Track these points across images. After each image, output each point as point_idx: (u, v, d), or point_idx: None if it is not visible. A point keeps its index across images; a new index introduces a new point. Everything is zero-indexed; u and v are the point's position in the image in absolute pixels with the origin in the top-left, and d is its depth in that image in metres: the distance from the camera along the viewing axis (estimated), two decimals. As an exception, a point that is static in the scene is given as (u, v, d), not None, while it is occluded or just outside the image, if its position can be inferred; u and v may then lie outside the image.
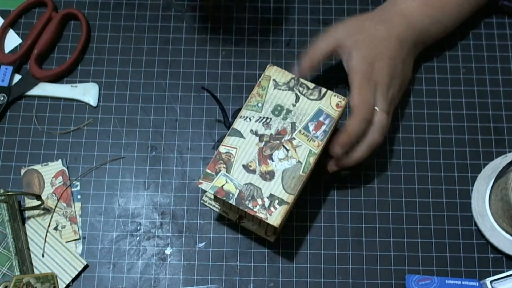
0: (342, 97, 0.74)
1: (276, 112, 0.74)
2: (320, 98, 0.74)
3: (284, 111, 0.74)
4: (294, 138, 0.73)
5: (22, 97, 0.86)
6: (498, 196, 0.77)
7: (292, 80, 0.75)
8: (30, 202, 0.80)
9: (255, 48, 0.89)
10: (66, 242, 0.80)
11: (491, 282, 0.75)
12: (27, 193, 0.80)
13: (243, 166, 0.72)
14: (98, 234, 0.80)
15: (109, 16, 0.90)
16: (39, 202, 0.79)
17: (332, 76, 0.86)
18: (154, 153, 0.84)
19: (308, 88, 0.75)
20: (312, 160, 0.72)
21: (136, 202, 0.82)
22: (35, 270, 0.78)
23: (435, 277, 0.76)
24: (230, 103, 0.86)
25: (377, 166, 0.82)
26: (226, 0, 0.91)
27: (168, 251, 0.79)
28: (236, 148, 0.73)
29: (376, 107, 0.76)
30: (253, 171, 0.72)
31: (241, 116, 0.74)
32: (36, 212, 0.81)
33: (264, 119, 0.74)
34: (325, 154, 0.78)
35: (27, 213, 0.81)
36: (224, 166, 0.72)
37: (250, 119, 0.74)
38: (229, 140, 0.73)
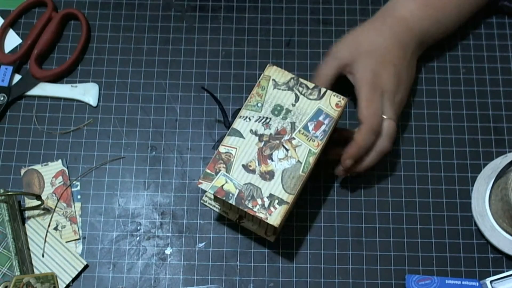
0: (342, 96, 0.74)
1: (276, 112, 0.74)
2: (320, 97, 0.74)
3: (284, 111, 0.74)
4: (294, 138, 0.73)
5: (22, 97, 0.86)
6: (498, 196, 0.77)
7: (292, 80, 0.75)
8: (30, 202, 0.80)
9: (255, 48, 0.89)
10: (66, 242, 0.80)
11: (491, 282, 0.75)
12: (27, 193, 0.80)
13: (243, 166, 0.72)
14: (98, 234, 0.80)
15: (109, 16, 0.90)
16: (39, 202, 0.79)
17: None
18: (154, 153, 0.84)
19: (307, 88, 0.75)
20: (311, 159, 0.72)
21: (136, 202, 0.82)
22: (35, 270, 0.78)
23: (435, 277, 0.76)
24: (230, 103, 0.86)
25: (377, 166, 0.82)
26: (226, 0, 0.91)
27: (168, 251, 0.79)
28: (236, 148, 0.73)
29: (384, 115, 0.76)
30: (253, 171, 0.72)
31: (240, 116, 0.74)
32: (36, 212, 0.81)
33: (264, 119, 0.74)
34: (325, 154, 0.78)
35: (27, 213, 0.81)
36: (224, 166, 0.72)
37: (249, 119, 0.74)
38: (228, 140, 0.73)
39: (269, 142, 0.73)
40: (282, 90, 0.75)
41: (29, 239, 0.79)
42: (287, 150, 0.72)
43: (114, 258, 0.79)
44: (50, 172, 0.82)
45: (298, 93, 0.75)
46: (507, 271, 0.76)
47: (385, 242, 0.79)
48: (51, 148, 0.84)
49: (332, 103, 0.74)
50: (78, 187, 0.82)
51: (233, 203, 0.70)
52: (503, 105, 0.85)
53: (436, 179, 0.82)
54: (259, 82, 0.75)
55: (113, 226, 0.81)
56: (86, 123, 0.85)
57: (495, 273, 0.77)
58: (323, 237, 0.80)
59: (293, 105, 0.74)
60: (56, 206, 0.81)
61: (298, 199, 0.81)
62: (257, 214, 0.70)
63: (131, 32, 0.90)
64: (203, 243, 0.80)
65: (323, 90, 0.74)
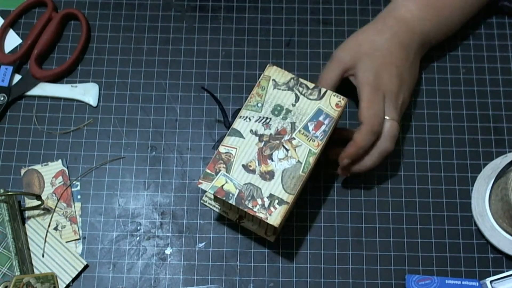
0: (342, 97, 0.74)
1: (276, 112, 0.74)
2: (320, 98, 0.74)
3: (284, 111, 0.74)
4: (294, 138, 0.73)
5: (22, 97, 0.86)
6: (498, 196, 0.77)
7: (292, 80, 0.75)
8: (30, 202, 0.80)
9: (255, 48, 0.89)
10: (66, 242, 0.80)
11: (491, 282, 0.75)
12: (27, 193, 0.80)
13: (243, 166, 0.72)
14: (98, 234, 0.80)
15: (109, 16, 0.90)
16: (39, 202, 0.79)
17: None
18: (154, 153, 0.84)
19: (307, 88, 0.75)
20: (311, 160, 0.72)
21: (136, 202, 0.82)
22: (35, 270, 0.78)
23: (435, 277, 0.76)
24: (230, 103, 0.86)
25: (377, 166, 0.81)
26: (226, 1, 0.91)
27: (168, 251, 0.79)
28: (236, 148, 0.73)
29: (386, 116, 0.76)
30: (253, 171, 0.72)
31: (240, 116, 0.74)
32: (36, 212, 0.81)
33: (264, 119, 0.74)
34: (325, 154, 0.78)
35: (27, 213, 0.81)
36: (224, 166, 0.72)
37: (249, 119, 0.74)
38: (228, 140, 0.73)
39: (269, 142, 0.73)
40: (282, 90, 0.75)
41: (29, 239, 0.79)
42: (287, 150, 0.72)
43: (114, 258, 0.79)
44: (50, 172, 0.82)
45: (298, 93, 0.75)
46: (507, 271, 0.76)
47: (385, 242, 0.79)
48: (51, 148, 0.84)
49: (332, 103, 0.74)
50: (78, 187, 0.82)
51: (233, 203, 0.70)
52: (503, 105, 0.85)
53: (436, 179, 0.82)
54: (259, 82, 0.75)
55: (113, 226, 0.81)
56: (86, 123, 0.85)
57: (495, 273, 0.77)
58: (323, 237, 0.80)
59: (293, 105, 0.74)
60: (56, 206, 0.81)
61: (298, 199, 0.81)
62: (257, 214, 0.70)
63: (131, 32, 0.90)
64: (203, 243, 0.80)
65: (323, 90, 0.75)
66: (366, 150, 0.76)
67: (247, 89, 0.86)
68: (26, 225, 0.80)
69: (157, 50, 0.89)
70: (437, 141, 0.84)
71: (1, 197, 0.77)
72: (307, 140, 0.73)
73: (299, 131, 0.73)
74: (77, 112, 0.86)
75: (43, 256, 0.79)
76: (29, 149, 0.84)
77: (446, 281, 0.76)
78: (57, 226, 0.80)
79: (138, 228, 0.80)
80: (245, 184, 0.71)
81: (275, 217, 0.70)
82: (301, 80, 0.75)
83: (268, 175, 0.71)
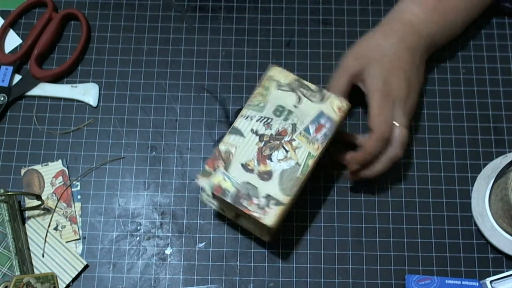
0: (345, 101, 0.74)
1: (278, 113, 0.74)
2: (323, 100, 0.74)
3: (286, 112, 0.74)
4: (294, 140, 0.73)
5: (22, 97, 0.86)
6: (498, 196, 0.77)
7: (295, 81, 0.75)
8: (30, 202, 0.81)
9: (255, 49, 0.89)
10: (66, 242, 0.80)
11: (491, 282, 0.75)
12: (27, 193, 0.80)
13: (242, 165, 0.72)
14: (98, 234, 0.80)
15: (109, 17, 0.90)
16: (39, 202, 0.79)
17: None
18: (154, 153, 0.84)
19: (310, 90, 0.74)
20: (310, 162, 0.72)
21: (136, 202, 0.82)
22: (35, 270, 0.78)
23: (435, 277, 0.76)
24: (230, 103, 0.86)
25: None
26: (226, 1, 0.91)
27: (168, 251, 0.79)
28: (236, 147, 0.73)
29: (395, 122, 0.76)
30: (251, 171, 0.72)
31: (242, 115, 0.74)
32: (36, 212, 0.81)
33: (265, 119, 0.74)
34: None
35: (27, 213, 0.81)
36: (223, 164, 0.72)
37: (251, 118, 0.74)
38: (229, 139, 0.73)
39: (269, 142, 0.73)
40: (285, 91, 0.75)
41: (29, 239, 0.79)
42: (286, 151, 0.72)
43: (114, 258, 0.79)
44: (50, 172, 0.82)
45: (301, 95, 0.74)
46: (507, 271, 0.76)
47: (385, 242, 0.79)
48: (51, 148, 0.84)
49: (335, 106, 0.74)
50: (78, 187, 0.82)
51: (230, 201, 0.70)
52: (503, 105, 0.85)
53: (436, 179, 0.82)
54: (262, 82, 0.75)
55: (113, 226, 0.81)
56: (86, 123, 0.85)
57: (495, 273, 0.77)
58: (323, 237, 0.80)
59: (295, 107, 0.74)
60: (56, 206, 0.81)
61: (298, 199, 0.81)
62: (252, 213, 0.70)
63: (131, 32, 0.90)
64: (203, 243, 0.80)
65: (326, 93, 0.74)
66: (375, 156, 0.76)
67: (247, 89, 0.86)
68: (26, 225, 0.80)
69: (157, 50, 0.89)
70: (437, 141, 0.84)
71: (1, 197, 0.77)
72: (307, 142, 0.72)
73: (300, 133, 0.73)
74: (77, 112, 0.86)
75: (43, 256, 0.79)
76: (29, 149, 0.84)
77: (446, 281, 0.76)
78: (57, 226, 0.80)
79: (138, 228, 0.80)
80: (243, 183, 0.71)
81: (270, 217, 0.70)
82: (304, 81, 0.75)
83: (266, 175, 0.71)
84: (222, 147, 0.73)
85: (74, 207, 0.81)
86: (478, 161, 0.83)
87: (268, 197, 0.70)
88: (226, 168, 0.72)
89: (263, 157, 0.72)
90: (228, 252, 0.79)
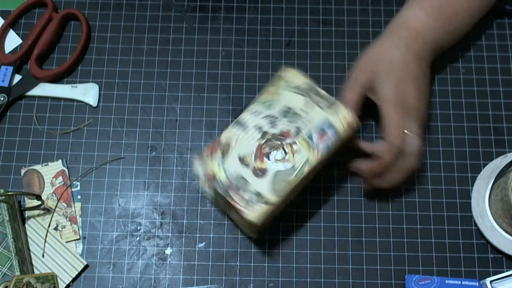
0: (354, 117, 0.73)
1: (284, 113, 0.74)
2: (332, 110, 0.73)
3: (293, 114, 0.73)
4: (295, 143, 0.72)
5: (22, 97, 0.86)
6: (498, 196, 0.77)
7: (307, 85, 0.74)
8: (30, 202, 0.81)
9: (255, 49, 0.89)
10: (66, 242, 0.80)
11: (491, 282, 0.75)
12: (27, 193, 0.80)
13: (239, 157, 0.72)
14: (98, 234, 0.80)
15: (109, 17, 0.90)
16: (39, 202, 0.79)
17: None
18: (154, 153, 0.84)
19: (321, 96, 0.74)
20: (306, 169, 0.71)
21: (136, 202, 0.82)
22: (35, 270, 0.78)
23: (435, 277, 0.76)
24: (230, 103, 0.86)
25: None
26: (226, 1, 0.91)
27: (168, 251, 0.79)
28: (237, 139, 0.73)
29: (409, 132, 0.75)
30: (247, 165, 0.72)
31: (249, 110, 0.74)
32: (36, 212, 0.81)
33: (271, 118, 0.74)
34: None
35: (27, 213, 0.81)
36: (221, 152, 0.72)
37: (257, 114, 0.74)
38: (232, 129, 0.73)
39: (271, 141, 0.73)
40: (295, 93, 0.74)
41: (29, 239, 0.79)
42: (286, 153, 0.72)
43: (114, 258, 0.79)
44: (50, 172, 0.82)
45: (311, 100, 0.74)
46: (507, 271, 0.76)
47: (385, 242, 0.79)
48: (51, 148, 0.84)
49: (343, 119, 0.73)
50: (78, 187, 0.82)
51: (219, 190, 0.70)
52: (503, 105, 0.85)
53: (436, 179, 0.82)
54: (274, 81, 0.75)
55: (113, 226, 0.81)
56: (86, 123, 0.85)
57: (495, 273, 0.77)
58: (323, 237, 0.80)
59: (303, 110, 0.73)
60: (56, 206, 0.81)
61: (298, 199, 0.81)
62: (238, 206, 0.70)
63: (131, 32, 0.90)
64: (203, 243, 0.80)
65: (337, 103, 0.73)
66: (391, 168, 0.76)
67: (247, 89, 0.87)
68: (26, 225, 0.80)
69: (157, 51, 0.89)
70: (437, 141, 0.84)
71: (1, 197, 0.77)
72: (308, 148, 0.72)
73: (303, 137, 0.73)
74: (77, 112, 0.86)
75: (43, 256, 0.79)
76: (29, 149, 0.84)
77: (446, 281, 0.76)
78: (57, 226, 0.80)
79: (138, 228, 0.80)
80: (236, 175, 0.71)
81: (254, 213, 0.70)
82: (317, 87, 0.74)
83: (260, 172, 0.71)
84: (223, 136, 0.73)
85: (74, 207, 0.81)
86: (478, 161, 0.83)
87: (258, 194, 0.70)
88: (223, 158, 0.72)
89: (261, 154, 0.72)
90: (228, 252, 0.79)
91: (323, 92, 0.74)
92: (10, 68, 0.87)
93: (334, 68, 0.87)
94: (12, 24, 0.90)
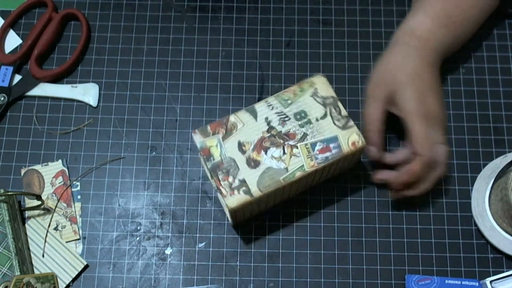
0: (362, 139, 0.73)
1: (298, 117, 0.74)
2: (344, 128, 0.74)
3: (306, 120, 0.74)
4: (297, 147, 0.73)
5: (22, 97, 0.86)
6: (498, 196, 0.77)
7: (331, 98, 0.75)
8: (30, 202, 0.81)
9: (255, 49, 0.89)
10: (66, 242, 0.80)
11: (491, 282, 0.75)
12: (27, 193, 0.80)
13: (239, 142, 0.73)
14: (98, 234, 0.80)
15: (109, 17, 0.90)
16: (39, 202, 0.79)
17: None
18: (154, 153, 0.84)
19: (339, 113, 0.74)
20: (298, 174, 0.72)
21: (136, 202, 0.82)
22: (35, 270, 0.78)
23: (435, 277, 0.76)
24: (230, 103, 0.86)
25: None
26: (226, 1, 0.91)
27: (168, 251, 0.79)
28: (244, 124, 0.73)
29: (436, 141, 0.76)
30: (244, 152, 0.73)
31: (266, 101, 0.75)
32: (36, 212, 0.81)
33: (283, 116, 0.74)
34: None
35: (27, 213, 0.81)
36: (224, 132, 0.73)
37: (272, 108, 0.74)
38: (244, 114, 0.74)
39: (274, 137, 0.73)
40: (317, 102, 0.75)
41: (29, 239, 0.79)
42: (284, 153, 0.73)
43: (114, 258, 0.79)
44: (50, 172, 0.82)
45: (328, 112, 0.74)
46: (507, 271, 0.76)
47: (385, 242, 0.79)
48: (51, 148, 0.84)
49: (350, 139, 0.73)
50: (78, 187, 0.82)
51: (208, 166, 0.72)
52: (503, 105, 0.85)
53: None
54: (302, 83, 0.75)
55: (113, 226, 0.81)
56: (86, 123, 0.85)
57: (495, 273, 0.77)
58: (323, 237, 0.80)
59: (317, 120, 0.74)
60: (56, 206, 0.81)
61: (299, 199, 0.81)
62: (221, 187, 0.71)
63: (131, 32, 0.90)
64: (203, 243, 0.80)
65: (350, 123, 0.74)
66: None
67: (247, 90, 0.87)
68: (26, 225, 0.80)
69: (157, 51, 0.89)
70: (437, 141, 0.83)
71: (1, 197, 0.77)
72: (307, 155, 0.73)
73: (306, 144, 0.73)
74: (77, 112, 0.86)
75: (43, 256, 0.79)
76: (29, 149, 0.84)
77: (446, 281, 0.76)
78: (57, 226, 0.80)
79: (138, 228, 0.80)
80: (230, 157, 0.72)
81: (233, 200, 0.71)
82: (339, 103, 0.75)
83: (253, 163, 0.72)
84: (232, 117, 0.74)
85: (74, 207, 0.81)
86: (478, 161, 0.83)
87: (243, 182, 0.71)
88: (224, 138, 0.73)
89: (260, 146, 0.73)
90: (228, 252, 0.79)
91: (344, 111, 0.74)
92: (10, 68, 0.87)
93: (334, 68, 0.87)
94: (12, 24, 0.90)
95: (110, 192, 0.82)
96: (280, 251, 0.79)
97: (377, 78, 0.79)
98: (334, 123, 0.74)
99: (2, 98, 0.85)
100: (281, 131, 0.73)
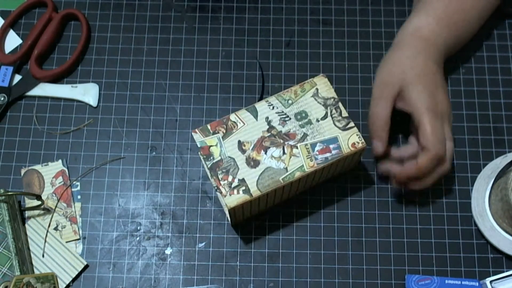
0: (362, 140, 0.73)
1: (299, 117, 0.74)
2: (344, 129, 0.74)
3: (306, 120, 0.74)
4: (297, 147, 0.73)
5: (22, 97, 0.86)
6: (498, 196, 0.77)
7: (332, 99, 0.75)
8: (30, 202, 0.81)
9: (255, 49, 0.89)
10: (66, 242, 0.80)
11: (491, 282, 0.75)
12: (27, 193, 0.80)
13: (239, 141, 0.73)
14: (98, 234, 0.80)
15: (109, 17, 0.90)
16: (39, 202, 0.79)
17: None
18: (154, 153, 0.84)
19: (340, 114, 0.74)
20: (297, 174, 0.72)
21: (136, 202, 0.82)
22: (35, 270, 0.78)
23: (435, 277, 0.76)
24: (230, 103, 0.86)
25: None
26: (226, 1, 0.91)
27: (168, 251, 0.79)
28: (244, 123, 0.74)
29: (443, 137, 0.76)
30: (243, 151, 0.73)
31: (267, 101, 0.75)
32: (36, 212, 0.81)
33: (284, 116, 0.74)
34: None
35: (27, 213, 0.81)
36: (224, 131, 0.73)
37: (273, 108, 0.74)
38: (243, 113, 0.74)
39: (274, 137, 0.73)
40: (318, 102, 0.75)
41: (29, 239, 0.79)
42: (284, 153, 0.73)
43: (114, 258, 0.79)
44: (50, 172, 0.82)
45: (329, 113, 0.74)
46: (507, 271, 0.76)
47: (385, 242, 0.79)
48: (51, 148, 0.84)
49: (350, 140, 0.73)
50: (78, 187, 0.82)
51: (208, 165, 0.72)
52: (503, 105, 0.85)
53: (436, 179, 0.82)
54: (304, 83, 0.76)
55: (113, 226, 0.81)
56: (86, 123, 0.85)
57: (495, 273, 0.77)
58: (323, 237, 0.80)
59: (318, 121, 0.74)
60: (56, 206, 0.81)
61: (299, 199, 0.81)
62: (220, 186, 0.71)
63: (131, 32, 0.90)
64: (203, 243, 0.80)
65: (351, 124, 0.74)
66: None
67: (247, 90, 0.87)
68: (26, 225, 0.80)
69: (157, 51, 0.89)
70: (437, 141, 0.83)
71: (1, 197, 0.77)
72: (306, 156, 0.73)
73: (305, 144, 0.73)
74: (77, 112, 0.86)
75: (43, 256, 0.79)
76: (29, 149, 0.84)
77: (446, 281, 0.76)
78: (57, 226, 0.80)
79: (138, 228, 0.80)
80: (230, 157, 0.72)
81: (232, 199, 0.71)
82: (340, 104, 0.75)
83: (253, 163, 0.72)
84: (232, 116, 0.74)
85: (74, 207, 0.81)
86: (478, 161, 0.83)
87: (242, 182, 0.71)
88: (224, 137, 0.73)
89: (260, 146, 0.73)
90: (228, 252, 0.79)
91: (345, 112, 0.75)
92: (10, 68, 0.87)
93: (334, 68, 0.87)
94: (12, 24, 0.90)
95: (110, 192, 0.82)
96: (280, 251, 0.79)
97: (383, 79, 0.79)
98: (335, 124, 0.74)
99: (2, 98, 0.85)
100: (281, 131, 0.74)
